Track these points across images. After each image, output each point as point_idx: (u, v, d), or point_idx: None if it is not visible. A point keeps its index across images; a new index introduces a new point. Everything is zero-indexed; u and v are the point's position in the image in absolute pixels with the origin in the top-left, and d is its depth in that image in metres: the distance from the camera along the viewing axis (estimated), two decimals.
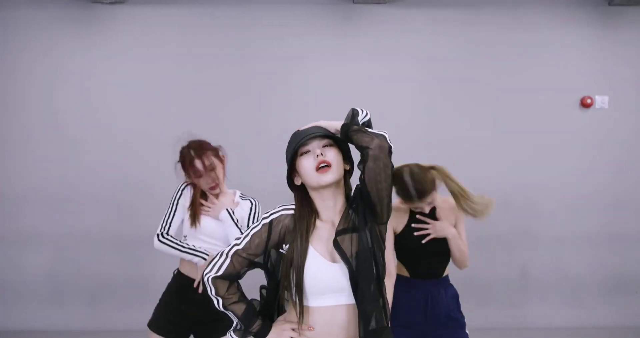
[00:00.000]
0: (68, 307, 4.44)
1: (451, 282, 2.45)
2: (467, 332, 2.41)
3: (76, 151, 4.47)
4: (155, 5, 4.59)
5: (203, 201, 2.42)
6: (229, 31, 4.60)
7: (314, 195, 1.56)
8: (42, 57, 4.57)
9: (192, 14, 4.60)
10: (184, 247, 2.39)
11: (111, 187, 4.45)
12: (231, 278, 1.58)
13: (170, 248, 2.39)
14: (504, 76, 4.66)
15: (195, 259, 2.36)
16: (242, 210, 2.45)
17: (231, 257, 1.56)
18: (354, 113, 1.56)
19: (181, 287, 2.45)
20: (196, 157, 2.37)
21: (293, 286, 1.52)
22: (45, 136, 4.51)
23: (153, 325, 2.45)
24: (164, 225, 2.43)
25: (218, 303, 1.58)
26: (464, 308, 2.47)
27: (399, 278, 2.36)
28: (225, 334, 2.20)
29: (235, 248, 1.57)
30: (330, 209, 1.56)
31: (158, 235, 2.41)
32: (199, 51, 4.60)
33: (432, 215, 2.36)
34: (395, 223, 2.33)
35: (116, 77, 4.53)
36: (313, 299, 1.51)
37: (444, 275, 2.41)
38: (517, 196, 4.53)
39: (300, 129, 1.59)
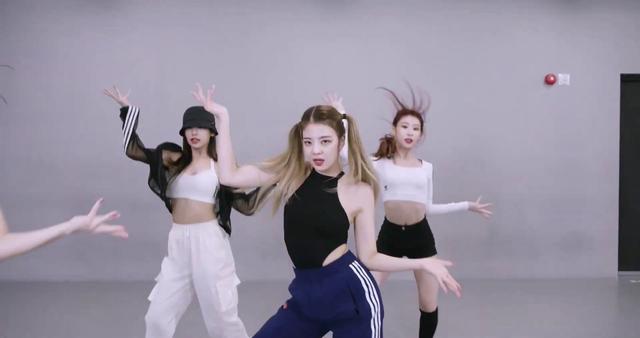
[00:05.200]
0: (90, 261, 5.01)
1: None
2: None
3: (94, 124, 4.89)
4: None
5: None
6: (231, 18, 4.98)
7: None
8: (65, 38, 4.97)
9: (198, 1, 4.97)
10: None
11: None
12: None
13: None
14: (476, 55, 5.06)
15: None
16: None
17: None
18: None
19: None
20: None
21: None
22: (68, 110, 4.96)
23: None
24: None
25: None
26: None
27: None
28: None
29: None
30: None
31: None
32: (205, 34, 4.98)
33: None
34: None
35: (131, 55, 4.90)
36: None
37: None
38: (485, 165, 5.05)
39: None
